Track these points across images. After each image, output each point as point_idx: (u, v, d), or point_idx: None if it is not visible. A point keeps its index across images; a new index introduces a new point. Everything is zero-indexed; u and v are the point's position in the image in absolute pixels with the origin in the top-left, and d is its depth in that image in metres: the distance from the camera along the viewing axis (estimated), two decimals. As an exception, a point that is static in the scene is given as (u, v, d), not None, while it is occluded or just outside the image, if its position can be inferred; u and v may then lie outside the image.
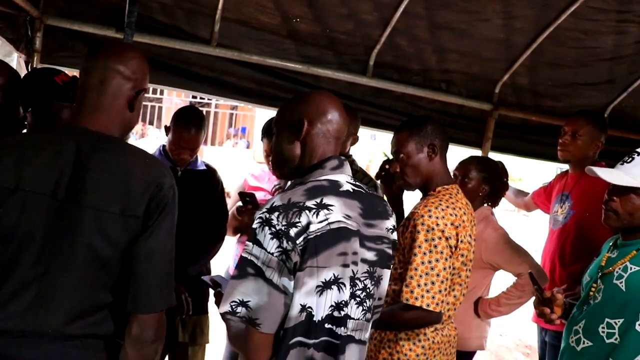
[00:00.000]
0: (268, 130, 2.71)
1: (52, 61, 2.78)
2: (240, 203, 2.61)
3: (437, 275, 1.82)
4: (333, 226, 1.38)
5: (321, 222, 1.36)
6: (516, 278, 2.54)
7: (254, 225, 1.36)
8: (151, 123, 16.11)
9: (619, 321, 1.70)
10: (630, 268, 1.71)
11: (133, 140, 14.54)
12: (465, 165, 2.58)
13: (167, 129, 2.52)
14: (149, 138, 14.85)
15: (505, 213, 14.76)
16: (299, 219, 1.34)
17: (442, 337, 1.98)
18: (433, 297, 1.81)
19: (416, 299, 1.80)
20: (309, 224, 1.34)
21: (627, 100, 3.51)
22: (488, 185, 2.59)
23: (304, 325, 1.37)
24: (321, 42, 3.07)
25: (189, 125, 2.44)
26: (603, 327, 1.73)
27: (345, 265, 1.41)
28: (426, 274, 1.81)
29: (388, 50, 3.14)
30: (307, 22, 2.94)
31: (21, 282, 1.28)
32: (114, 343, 1.35)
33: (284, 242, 1.32)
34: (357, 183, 1.53)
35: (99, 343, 1.33)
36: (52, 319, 1.28)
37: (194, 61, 2.98)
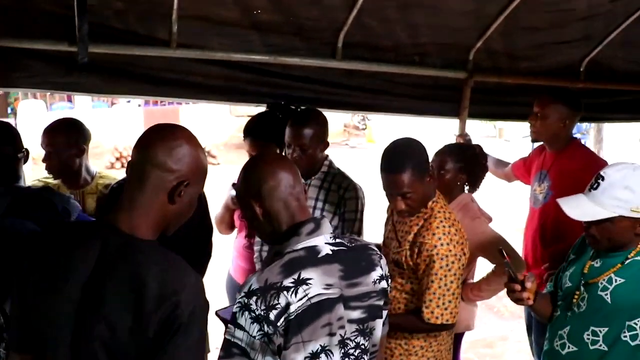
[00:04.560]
0: (251, 131, 2.64)
1: (9, 83, 2.67)
2: (233, 192, 2.55)
3: (453, 294, 2.00)
4: (313, 300, 1.37)
5: (300, 299, 1.35)
6: (494, 265, 2.56)
7: (234, 309, 1.35)
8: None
9: (603, 329, 1.74)
10: (615, 280, 1.74)
11: (104, 108, 14.25)
12: (440, 156, 2.54)
13: None
14: (120, 105, 14.56)
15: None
16: (278, 300, 1.33)
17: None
18: (451, 313, 2.02)
19: (437, 318, 2.01)
20: (288, 304, 1.33)
21: (603, 52, 3.46)
22: (465, 174, 2.57)
23: None
24: (286, 30, 2.92)
25: None
26: (588, 335, 1.77)
27: (332, 334, 1.42)
28: (443, 295, 1.99)
29: (356, 31, 3.00)
30: (268, 13, 2.80)
31: None
32: None
33: (265, 326, 1.32)
34: (337, 240, 1.48)
35: None
36: None
37: (155, 66, 2.84)
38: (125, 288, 1.19)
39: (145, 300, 1.17)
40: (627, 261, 1.74)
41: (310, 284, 1.37)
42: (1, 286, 1.64)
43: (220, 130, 15.39)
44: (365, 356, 1.52)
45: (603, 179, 1.74)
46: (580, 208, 1.76)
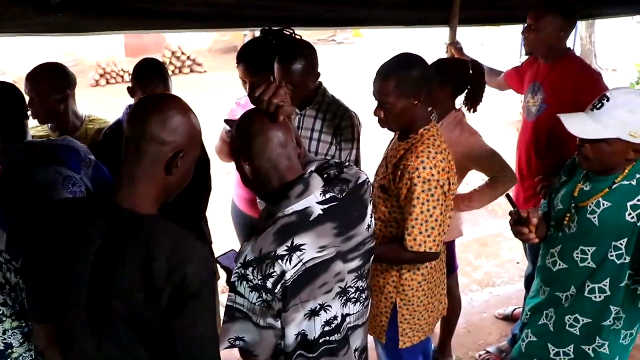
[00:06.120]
0: (244, 57, 2.57)
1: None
2: (227, 127, 2.55)
3: (436, 220, 1.94)
4: (308, 265, 1.40)
5: (295, 266, 1.37)
6: (487, 178, 2.60)
7: (233, 279, 1.39)
8: None
9: (591, 249, 1.84)
10: (603, 204, 1.80)
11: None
12: None
13: (130, 90, 2.40)
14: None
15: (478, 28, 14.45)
16: (273, 269, 1.35)
17: (437, 261, 2.16)
18: (434, 241, 1.96)
19: (419, 245, 1.95)
20: (283, 272, 1.36)
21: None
22: (450, 88, 2.51)
23: (301, 344, 1.49)
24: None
25: (154, 81, 2.34)
26: (577, 253, 1.87)
27: (329, 291, 1.47)
28: (425, 221, 1.93)
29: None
30: None
31: (83, 352, 1.34)
32: None
33: (263, 294, 1.36)
34: (327, 196, 1.46)
35: None
36: None
37: (133, -2, 2.71)
38: (133, 266, 1.22)
39: (154, 275, 1.21)
40: (614, 185, 1.79)
41: (303, 249, 1.39)
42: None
43: (202, 35, 14.89)
44: (363, 294, 1.61)
45: (608, 99, 1.72)
46: (580, 125, 1.76)
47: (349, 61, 13.82)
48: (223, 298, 1.47)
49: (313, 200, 1.44)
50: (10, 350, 1.54)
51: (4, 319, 1.52)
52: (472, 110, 2.62)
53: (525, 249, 3.05)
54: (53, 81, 2.44)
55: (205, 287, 1.25)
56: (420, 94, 1.93)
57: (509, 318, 3.52)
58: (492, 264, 4.34)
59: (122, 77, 12.29)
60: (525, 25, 2.66)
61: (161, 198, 1.33)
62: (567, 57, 2.64)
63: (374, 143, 2.26)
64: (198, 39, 14.71)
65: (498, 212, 5.01)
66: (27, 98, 2.31)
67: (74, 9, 2.62)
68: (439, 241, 1.98)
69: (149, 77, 2.36)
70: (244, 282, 1.37)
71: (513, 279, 4.06)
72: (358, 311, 1.61)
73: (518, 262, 4.28)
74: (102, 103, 8.93)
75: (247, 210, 2.95)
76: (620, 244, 1.77)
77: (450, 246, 2.86)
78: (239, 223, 3.08)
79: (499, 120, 8.10)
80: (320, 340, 1.50)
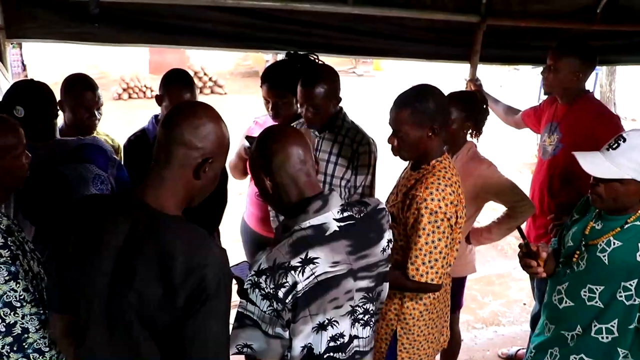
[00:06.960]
0: (269, 78, 2.63)
1: (20, 34, 2.66)
2: (247, 143, 2.62)
3: (440, 252, 1.95)
4: (320, 278, 1.43)
5: (307, 278, 1.41)
6: (506, 208, 2.63)
7: (246, 286, 1.43)
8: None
9: (599, 288, 1.83)
10: (614, 243, 1.80)
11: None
12: None
13: (158, 98, 2.46)
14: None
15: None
16: (286, 279, 1.39)
17: (440, 292, 2.15)
18: (436, 273, 1.95)
19: (422, 275, 1.95)
20: (295, 283, 1.39)
21: (621, -7, 3.35)
22: (471, 121, 2.58)
23: (307, 358, 1.50)
24: (296, -25, 2.88)
25: (182, 90, 2.39)
26: (585, 291, 1.87)
27: (338, 307, 1.50)
28: (430, 252, 1.94)
29: (368, -25, 2.95)
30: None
31: (96, 343, 1.36)
32: None
33: (274, 303, 1.39)
34: (345, 214, 1.50)
35: None
36: None
37: (167, 13, 2.83)
38: (154, 262, 1.26)
39: (173, 273, 1.25)
40: (627, 225, 1.80)
41: (317, 263, 1.42)
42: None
43: (225, 58, 15.14)
44: (373, 318, 1.63)
45: (624, 140, 1.74)
46: (595, 164, 1.77)
47: (368, 93, 13.93)
48: (233, 312, 1.48)
49: (330, 217, 1.48)
50: (26, 335, 1.60)
51: (24, 303, 1.58)
52: (478, 138, 2.66)
53: (533, 287, 3.03)
54: (94, 92, 2.51)
55: (222, 290, 1.29)
56: (435, 125, 1.95)
57: (512, 358, 3.49)
58: (498, 303, 4.30)
59: (144, 92, 12.48)
60: (545, 65, 2.70)
61: (186, 201, 1.38)
62: (585, 98, 2.68)
63: (388, 171, 2.29)
64: (220, 62, 14.96)
65: (508, 252, 4.98)
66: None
67: (110, 21, 2.74)
68: (442, 273, 1.98)
69: (178, 86, 2.41)
70: (257, 290, 1.40)
71: (519, 320, 4.02)
72: (368, 336, 1.62)
73: (525, 304, 4.24)
74: (122, 116, 9.08)
75: (257, 229, 2.98)
76: (630, 284, 1.77)
77: (460, 282, 2.85)
78: (248, 241, 3.11)
79: (514, 161, 8.11)
80: (325, 356, 1.52)
